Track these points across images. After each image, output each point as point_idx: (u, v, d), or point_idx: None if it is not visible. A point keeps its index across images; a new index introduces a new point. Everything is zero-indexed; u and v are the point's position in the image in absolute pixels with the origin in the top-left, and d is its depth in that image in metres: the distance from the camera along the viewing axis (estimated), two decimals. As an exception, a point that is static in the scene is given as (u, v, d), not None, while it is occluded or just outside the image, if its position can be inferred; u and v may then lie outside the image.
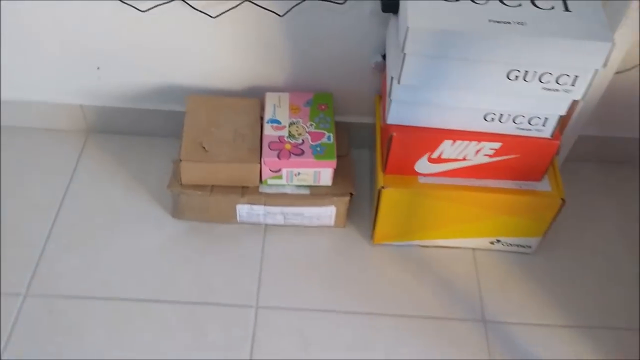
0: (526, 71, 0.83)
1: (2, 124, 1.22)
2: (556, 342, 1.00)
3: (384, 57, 1.06)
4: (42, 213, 1.11)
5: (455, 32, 0.79)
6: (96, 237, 1.08)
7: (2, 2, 1.00)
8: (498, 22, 0.80)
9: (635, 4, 0.86)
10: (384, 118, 0.98)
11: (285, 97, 1.10)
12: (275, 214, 1.07)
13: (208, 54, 1.08)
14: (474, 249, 1.11)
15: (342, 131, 1.12)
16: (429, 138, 0.95)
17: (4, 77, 1.14)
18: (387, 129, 0.96)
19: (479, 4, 0.82)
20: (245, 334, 0.98)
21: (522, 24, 0.80)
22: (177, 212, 1.10)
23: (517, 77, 0.83)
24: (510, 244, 1.09)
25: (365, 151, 1.22)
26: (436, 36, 0.80)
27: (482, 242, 1.09)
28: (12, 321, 0.97)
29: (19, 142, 1.21)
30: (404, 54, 0.82)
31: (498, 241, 1.09)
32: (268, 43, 1.06)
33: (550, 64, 0.82)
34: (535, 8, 0.82)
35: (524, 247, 1.09)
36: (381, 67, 1.08)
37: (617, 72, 1.02)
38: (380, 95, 1.11)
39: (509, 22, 0.80)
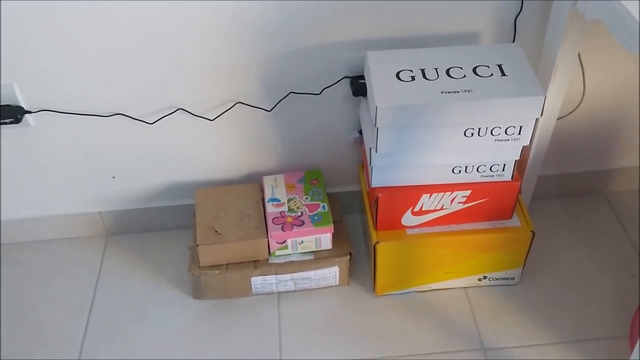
0: (479, 128, 1.00)
1: (24, 239, 1.36)
2: (550, 358, 1.13)
3: (360, 132, 1.23)
4: (77, 312, 1.23)
5: (415, 105, 0.96)
6: (128, 328, 1.20)
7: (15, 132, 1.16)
8: (449, 92, 0.97)
9: (560, 68, 1.05)
10: (368, 183, 1.14)
11: (281, 178, 1.26)
12: (286, 281, 1.21)
13: (210, 152, 1.25)
14: (465, 288, 1.24)
15: (334, 201, 1.28)
16: (409, 195, 1.10)
17: (25, 197, 1.29)
18: (372, 191, 1.11)
19: (431, 80, 1.00)
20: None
21: (468, 91, 0.97)
22: (197, 292, 1.23)
23: (472, 134, 1.01)
24: (496, 278, 1.23)
25: (357, 216, 1.37)
26: (401, 110, 0.97)
27: (471, 280, 1.23)
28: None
29: (44, 254, 1.34)
30: (377, 128, 0.99)
31: (485, 277, 1.22)
32: (260, 134, 1.23)
33: (497, 120, 0.99)
34: (478, 77, 1.00)
35: (508, 279, 1.23)
36: (359, 141, 1.25)
37: (560, 118, 1.20)
38: (362, 165, 1.28)
39: (458, 91, 0.97)
